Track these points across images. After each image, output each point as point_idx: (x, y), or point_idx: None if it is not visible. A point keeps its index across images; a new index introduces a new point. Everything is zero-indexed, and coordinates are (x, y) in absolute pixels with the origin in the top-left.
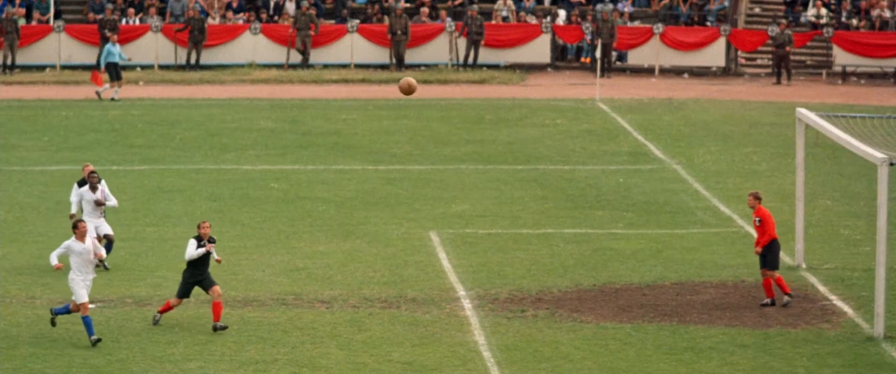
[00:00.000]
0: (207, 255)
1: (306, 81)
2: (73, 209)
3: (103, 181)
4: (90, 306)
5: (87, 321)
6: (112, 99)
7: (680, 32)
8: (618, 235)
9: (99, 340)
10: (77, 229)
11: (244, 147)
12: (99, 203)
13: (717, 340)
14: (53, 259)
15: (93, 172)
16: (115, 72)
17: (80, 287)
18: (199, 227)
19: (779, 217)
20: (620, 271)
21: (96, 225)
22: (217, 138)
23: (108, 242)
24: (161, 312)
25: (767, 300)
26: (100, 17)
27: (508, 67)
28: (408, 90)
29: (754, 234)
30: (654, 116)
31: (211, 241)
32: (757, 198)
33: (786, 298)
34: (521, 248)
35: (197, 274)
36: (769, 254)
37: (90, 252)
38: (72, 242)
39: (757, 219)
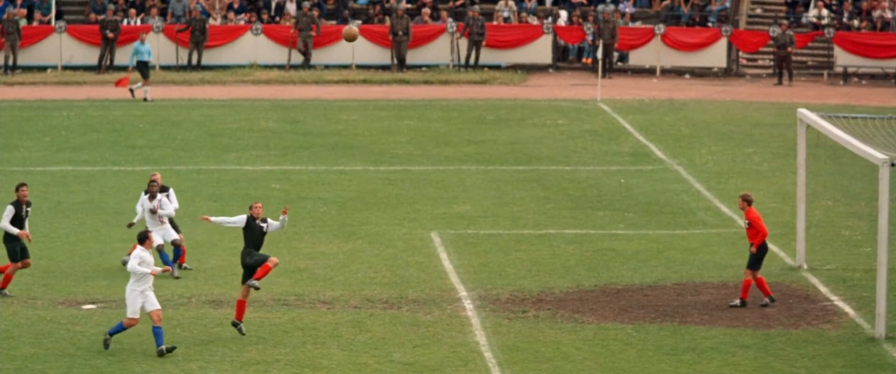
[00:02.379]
0: (261, 237)
1: (307, 82)
2: (135, 219)
3: (171, 191)
4: (91, 307)
5: (120, 327)
6: (144, 99)
7: (681, 33)
8: (619, 235)
9: (107, 347)
10: (148, 239)
11: (245, 148)
12: (154, 211)
13: (718, 340)
14: (147, 269)
15: (153, 180)
16: (144, 70)
17: (137, 301)
18: (250, 208)
19: (780, 218)
20: (622, 272)
21: (162, 234)
22: (218, 139)
23: (175, 247)
24: (258, 277)
25: (766, 299)
26: (101, 17)
27: (510, 68)
28: (350, 37)
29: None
30: (656, 117)
31: (264, 220)
32: (747, 200)
33: (737, 301)
34: (523, 248)
35: (251, 254)
36: (755, 255)
37: (152, 264)
38: (144, 252)
39: (746, 222)
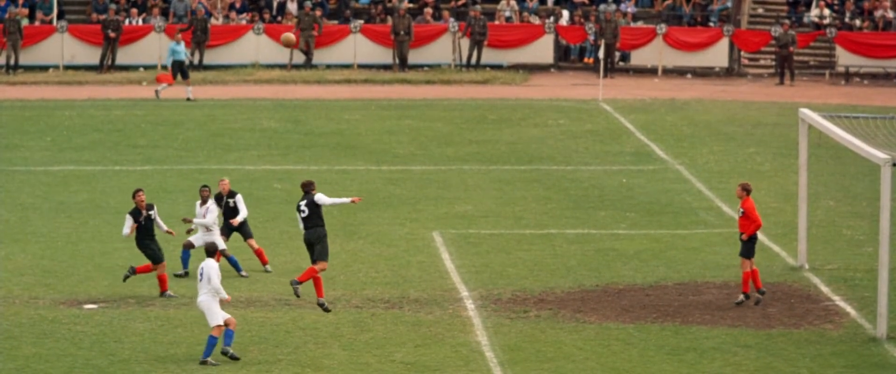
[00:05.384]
0: (318, 216)
1: (309, 82)
2: (194, 222)
3: (239, 197)
4: (92, 307)
5: (229, 334)
6: (187, 99)
7: (683, 33)
8: (620, 235)
9: (205, 363)
10: (217, 252)
11: (247, 147)
12: (208, 228)
13: (719, 340)
14: (224, 295)
15: (204, 186)
16: (180, 70)
17: (214, 306)
18: (311, 186)
19: (781, 218)
20: (623, 272)
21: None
22: (220, 139)
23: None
24: (301, 281)
25: (756, 294)
26: (103, 17)
27: (511, 68)
28: (288, 43)
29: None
30: (657, 117)
31: (307, 194)
32: (746, 189)
33: (741, 297)
34: (524, 248)
35: (314, 232)
36: (747, 243)
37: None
38: (217, 265)
39: (740, 210)
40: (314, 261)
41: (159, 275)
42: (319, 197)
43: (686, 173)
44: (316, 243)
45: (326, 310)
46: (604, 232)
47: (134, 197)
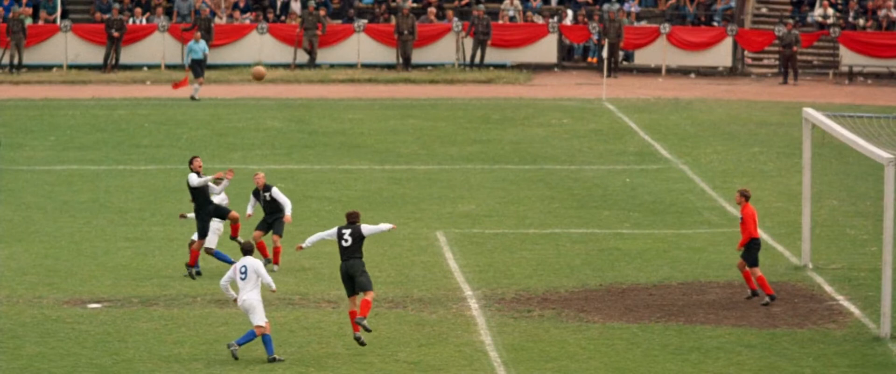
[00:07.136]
0: (359, 248)
1: (313, 81)
2: (249, 211)
3: (274, 188)
4: (96, 306)
5: (266, 340)
6: (191, 97)
7: (686, 32)
8: (624, 235)
9: (275, 359)
10: (254, 249)
11: (251, 147)
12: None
13: (723, 340)
14: (273, 286)
15: (218, 177)
16: (198, 69)
17: (260, 305)
18: (357, 216)
19: (785, 217)
20: (627, 271)
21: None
22: (224, 138)
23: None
24: (364, 315)
25: (748, 292)
26: (107, 16)
27: (515, 67)
28: (258, 76)
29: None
30: (661, 116)
31: (351, 225)
32: (744, 196)
33: (767, 298)
34: (528, 248)
35: (350, 266)
36: (748, 252)
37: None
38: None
39: (740, 217)
40: (361, 291)
41: (193, 249)
42: (365, 228)
43: (690, 173)
44: (357, 275)
45: (362, 344)
46: (607, 232)
47: (191, 164)
